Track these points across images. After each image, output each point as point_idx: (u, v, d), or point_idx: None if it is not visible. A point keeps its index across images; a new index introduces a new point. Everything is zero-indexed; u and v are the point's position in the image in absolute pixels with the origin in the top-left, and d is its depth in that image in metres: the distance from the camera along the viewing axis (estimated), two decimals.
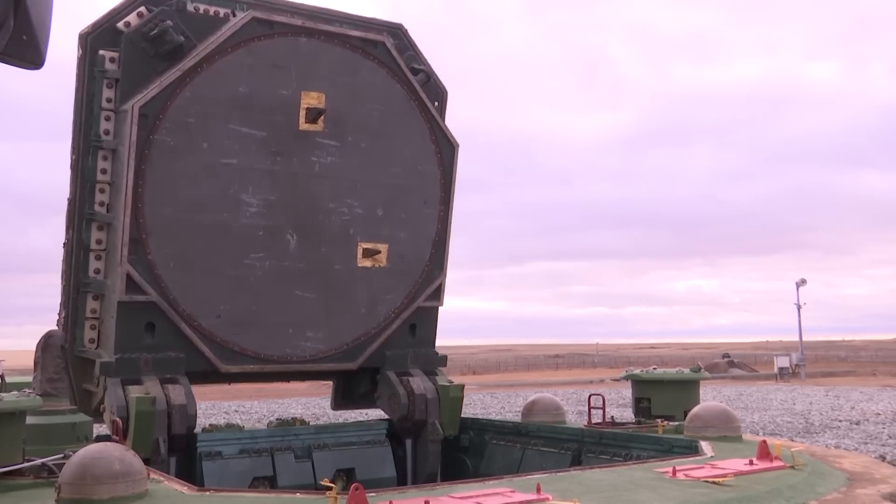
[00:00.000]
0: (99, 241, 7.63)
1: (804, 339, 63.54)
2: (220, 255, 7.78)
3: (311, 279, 8.26)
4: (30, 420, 6.02)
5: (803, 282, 63.64)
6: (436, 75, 9.08)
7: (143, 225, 7.37)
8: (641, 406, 8.47)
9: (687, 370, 8.72)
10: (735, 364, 71.28)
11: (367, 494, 4.14)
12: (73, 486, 4.30)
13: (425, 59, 9.04)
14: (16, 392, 5.98)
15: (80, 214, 7.60)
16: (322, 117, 8.08)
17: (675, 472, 5.24)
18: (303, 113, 8.00)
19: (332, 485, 4.30)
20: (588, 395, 8.79)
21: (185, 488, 4.95)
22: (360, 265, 8.50)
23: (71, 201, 7.63)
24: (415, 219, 8.91)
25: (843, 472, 5.79)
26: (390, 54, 8.43)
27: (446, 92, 9.21)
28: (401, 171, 8.72)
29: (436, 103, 9.01)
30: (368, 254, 8.53)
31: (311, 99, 8.02)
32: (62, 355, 8.04)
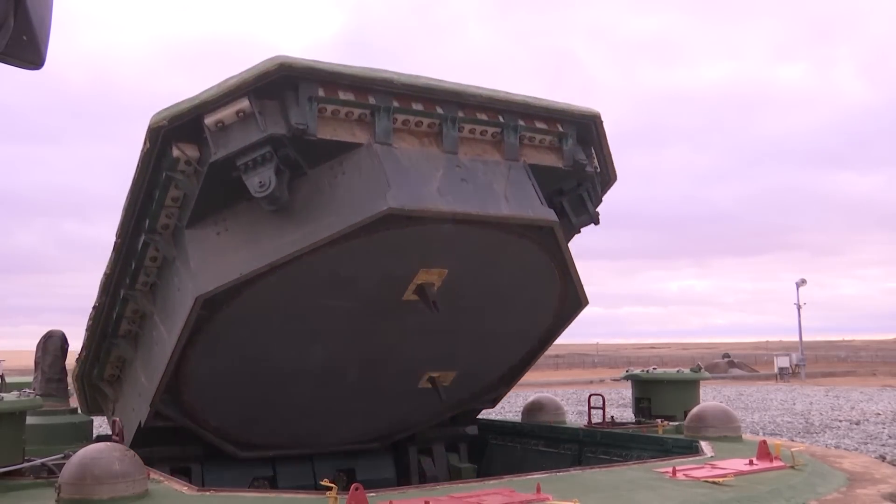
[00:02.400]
0: (135, 311, 6.69)
1: (804, 339, 63.57)
2: (266, 389, 6.68)
3: (362, 399, 7.23)
4: (30, 420, 6.02)
5: (803, 282, 63.69)
6: (611, 164, 7.08)
7: (184, 377, 6.29)
8: (641, 406, 8.46)
9: (687, 370, 8.71)
10: (735, 364, 71.25)
11: (367, 494, 4.13)
12: (73, 486, 4.29)
13: (610, 160, 7.01)
14: (16, 392, 5.97)
15: (118, 286, 6.57)
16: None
17: (675, 472, 5.23)
18: (412, 286, 6.17)
19: (332, 485, 4.30)
20: (588, 395, 8.78)
21: (185, 488, 4.94)
22: (420, 387, 7.32)
23: (108, 276, 6.51)
24: (500, 353, 7.65)
25: (843, 472, 5.78)
26: (555, 239, 6.41)
27: (616, 179, 7.24)
28: (506, 323, 7.16)
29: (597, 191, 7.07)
30: (433, 380, 7.28)
31: (430, 276, 6.14)
32: (62, 356, 8.04)
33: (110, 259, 6.45)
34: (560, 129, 6.48)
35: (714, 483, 4.89)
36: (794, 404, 34.64)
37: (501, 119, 6.16)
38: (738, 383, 54.65)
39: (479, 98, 6.02)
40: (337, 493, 4.22)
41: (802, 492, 4.91)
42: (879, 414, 29.41)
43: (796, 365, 60.36)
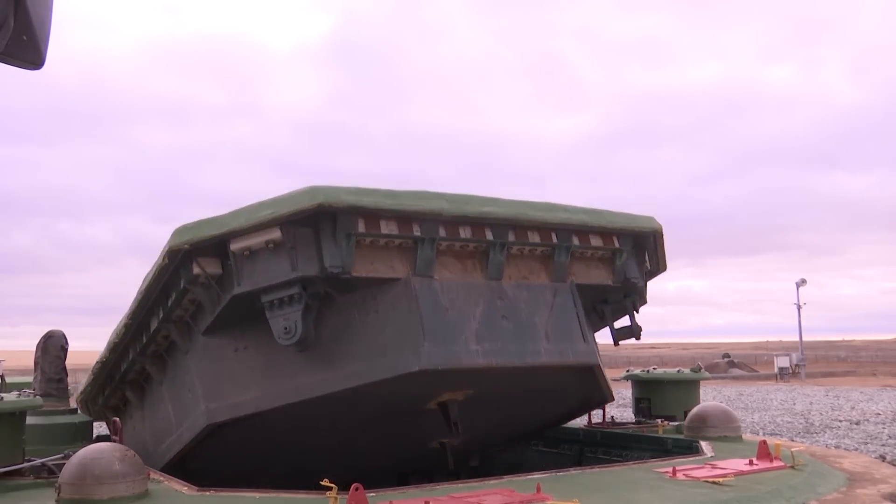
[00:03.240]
0: (143, 367, 6.54)
1: (804, 339, 63.56)
2: (271, 458, 6.46)
3: (368, 456, 6.92)
4: (30, 420, 6.01)
5: (803, 282, 63.68)
6: (663, 260, 6.84)
7: (191, 457, 6.20)
8: (641, 406, 8.46)
9: (687, 370, 8.71)
10: (735, 364, 71.18)
11: (367, 494, 4.13)
12: (73, 486, 4.29)
13: (663, 257, 6.76)
14: (16, 392, 5.97)
15: (126, 348, 6.46)
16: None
17: (675, 472, 5.23)
18: (435, 402, 5.91)
19: (332, 485, 4.30)
20: None
21: (186, 488, 4.94)
22: (429, 446, 6.97)
23: (117, 344, 6.40)
24: (515, 429, 7.42)
25: (843, 472, 5.78)
26: (595, 377, 6.29)
27: (665, 269, 7.01)
28: (526, 415, 6.98)
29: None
30: (443, 445, 6.87)
31: (455, 395, 5.85)
32: (62, 355, 8.04)
33: (120, 330, 6.24)
34: (616, 244, 6.15)
35: (714, 483, 4.88)
36: (794, 404, 34.62)
37: (555, 239, 5.79)
38: (738, 383, 54.62)
39: (535, 222, 5.65)
40: (337, 493, 4.21)
41: (802, 492, 4.91)
42: (879, 414, 29.39)
43: (796, 365, 60.32)
